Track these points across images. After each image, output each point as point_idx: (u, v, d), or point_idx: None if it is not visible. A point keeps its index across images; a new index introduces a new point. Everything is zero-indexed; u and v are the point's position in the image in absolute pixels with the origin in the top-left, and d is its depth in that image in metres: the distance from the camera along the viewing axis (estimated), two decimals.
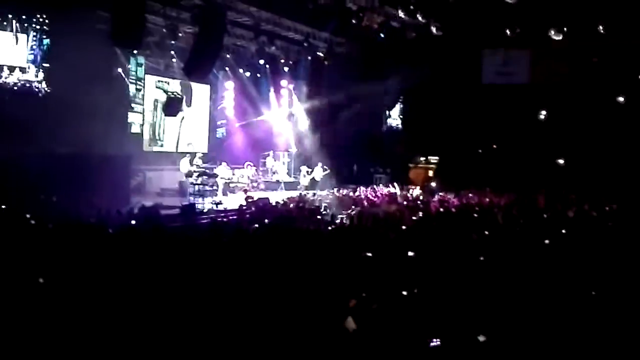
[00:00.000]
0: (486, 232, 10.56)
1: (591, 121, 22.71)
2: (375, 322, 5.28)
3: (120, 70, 20.04)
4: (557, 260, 7.97)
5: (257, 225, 11.43)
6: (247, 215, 14.61)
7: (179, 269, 6.96)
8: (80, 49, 15.47)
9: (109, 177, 15.68)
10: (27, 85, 16.94)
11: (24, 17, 16.81)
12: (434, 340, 4.80)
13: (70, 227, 9.57)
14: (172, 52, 20.58)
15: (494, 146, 25.10)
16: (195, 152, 21.27)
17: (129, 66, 20.33)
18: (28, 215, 10.58)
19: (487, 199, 17.91)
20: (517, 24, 21.00)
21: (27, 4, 16.56)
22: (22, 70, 16.97)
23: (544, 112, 24.31)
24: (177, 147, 23.36)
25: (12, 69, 16.80)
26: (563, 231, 10.84)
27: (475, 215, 13.90)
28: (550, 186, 19.15)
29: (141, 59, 20.78)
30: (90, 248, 8.06)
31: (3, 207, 11.64)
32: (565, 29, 20.10)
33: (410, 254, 7.99)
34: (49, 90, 17.03)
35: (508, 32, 21.45)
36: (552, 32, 20.41)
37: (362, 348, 4.90)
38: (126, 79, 20.29)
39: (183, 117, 23.21)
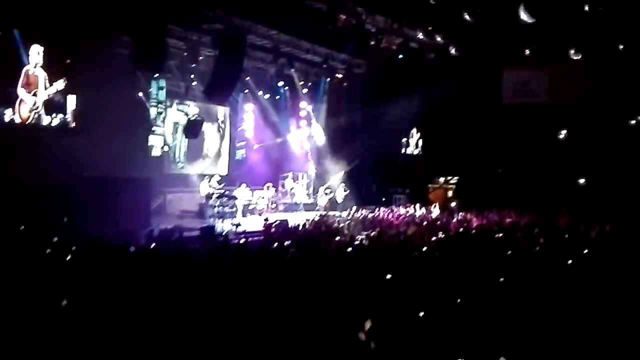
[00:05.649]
0: (508, 252, 10.48)
1: (612, 140, 22.45)
2: (392, 343, 5.28)
3: (141, 93, 20.21)
4: (580, 281, 7.90)
5: (276, 244, 11.43)
6: (268, 237, 14.63)
7: (198, 288, 7.00)
8: (102, 73, 15.68)
9: (130, 200, 15.78)
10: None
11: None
12: None
13: (92, 248, 9.67)
14: (193, 76, 20.72)
15: (499, 170, 24.90)
16: (213, 175, 21.38)
17: (150, 89, 20.45)
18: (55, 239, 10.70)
19: (508, 219, 17.77)
20: (535, 44, 21.00)
21: (51, 34, 16.49)
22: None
23: (564, 132, 24.13)
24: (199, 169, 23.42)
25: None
26: (585, 251, 10.74)
27: (496, 235, 13.81)
28: (571, 206, 18.94)
29: (162, 82, 20.89)
30: (112, 269, 8.15)
31: (22, 227, 11.75)
32: (582, 48, 20.08)
33: (429, 274, 7.97)
34: (72, 116, 17.19)
35: (527, 51, 21.47)
36: (571, 52, 20.41)
37: None
38: (147, 102, 20.42)
39: (203, 140, 23.37)
